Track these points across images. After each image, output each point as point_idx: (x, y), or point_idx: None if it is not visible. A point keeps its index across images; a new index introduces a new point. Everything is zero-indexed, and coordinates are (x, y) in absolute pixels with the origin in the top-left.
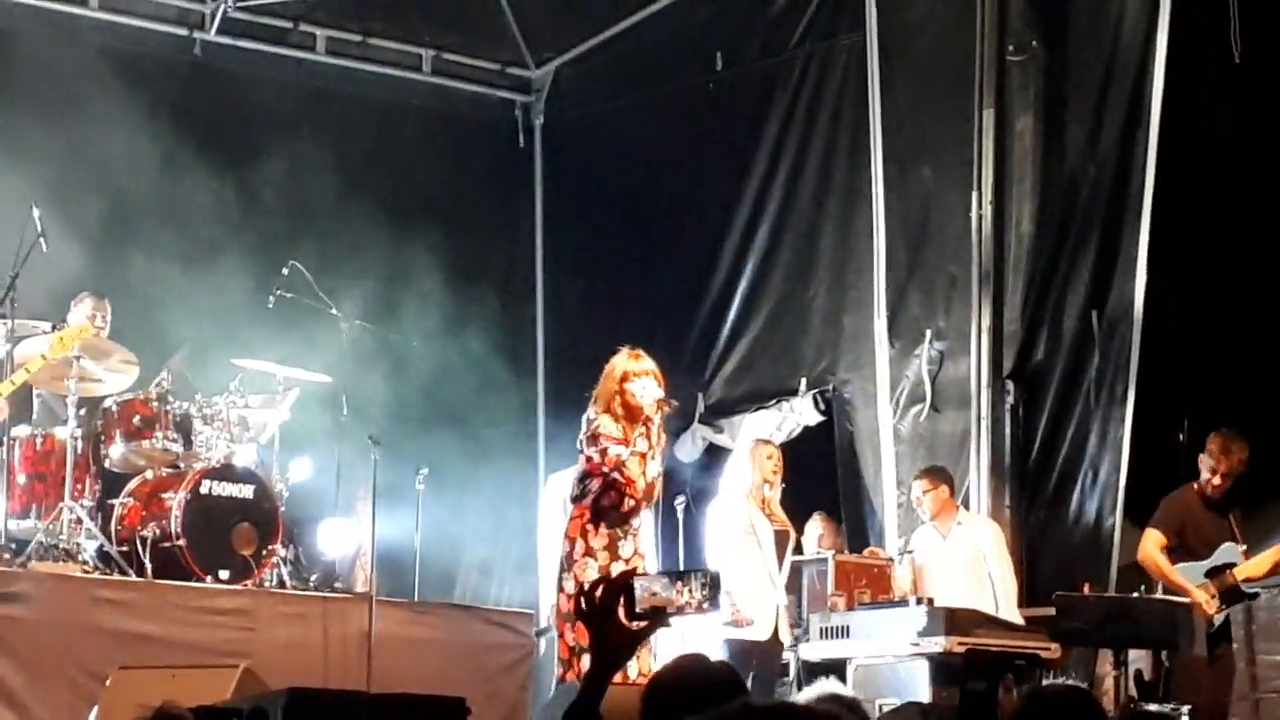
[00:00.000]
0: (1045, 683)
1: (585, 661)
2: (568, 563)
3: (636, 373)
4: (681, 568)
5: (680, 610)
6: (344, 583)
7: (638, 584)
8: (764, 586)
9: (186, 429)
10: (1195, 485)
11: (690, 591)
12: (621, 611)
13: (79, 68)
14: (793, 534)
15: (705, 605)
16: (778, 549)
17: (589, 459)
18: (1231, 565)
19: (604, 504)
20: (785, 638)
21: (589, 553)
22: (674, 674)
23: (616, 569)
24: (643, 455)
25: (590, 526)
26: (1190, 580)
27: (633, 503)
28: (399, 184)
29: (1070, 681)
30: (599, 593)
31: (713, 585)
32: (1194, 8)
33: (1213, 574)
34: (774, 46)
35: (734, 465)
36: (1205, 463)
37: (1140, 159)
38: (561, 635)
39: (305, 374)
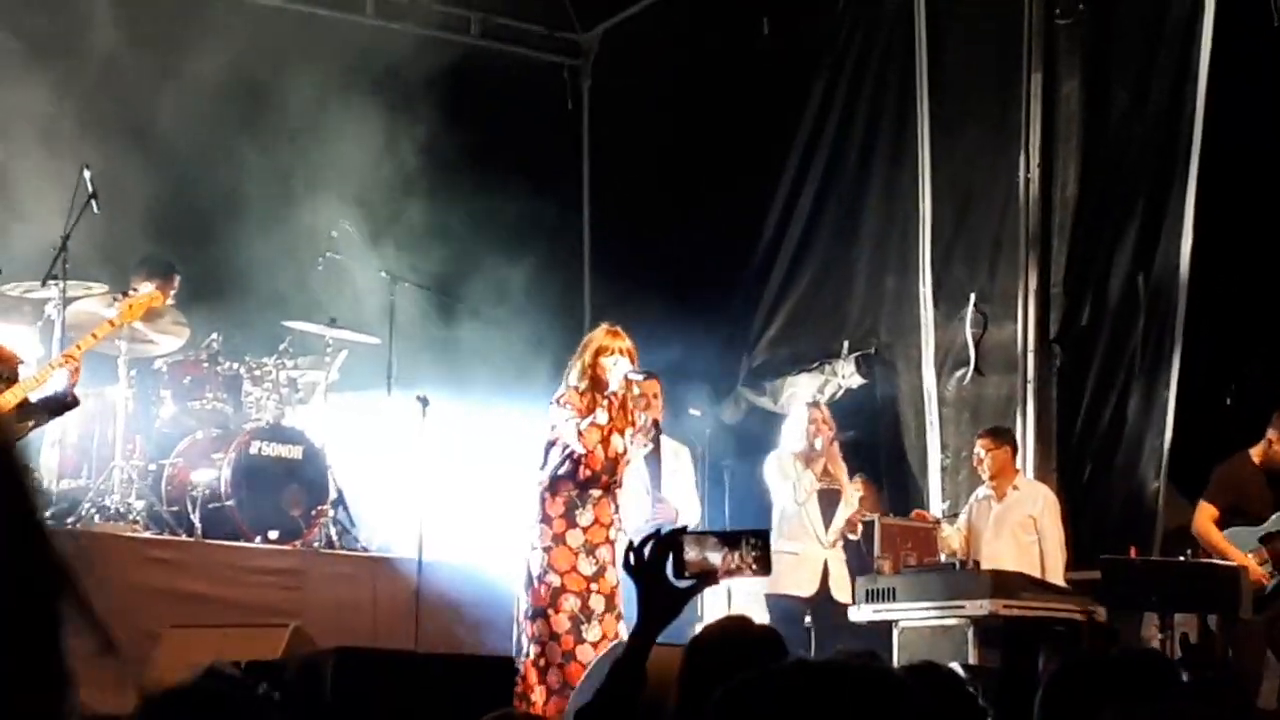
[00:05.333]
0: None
1: (536, 626)
2: (529, 529)
3: (610, 349)
4: (730, 529)
5: (730, 573)
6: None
7: (688, 543)
8: (809, 544)
9: (236, 390)
10: (1251, 452)
11: (740, 555)
12: (670, 570)
13: (129, 29)
14: (848, 492)
15: (755, 568)
16: (824, 507)
17: (552, 427)
18: None
19: (561, 473)
20: (842, 595)
21: (545, 519)
22: (716, 636)
23: (572, 536)
24: (600, 427)
25: (547, 494)
26: (1243, 545)
27: (589, 473)
28: (446, 148)
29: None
30: (648, 549)
31: (764, 548)
32: None
33: (1267, 540)
34: (821, 9)
35: (788, 425)
36: (1274, 437)
37: (1187, 122)
38: (518, 599)
39: (354, 335)
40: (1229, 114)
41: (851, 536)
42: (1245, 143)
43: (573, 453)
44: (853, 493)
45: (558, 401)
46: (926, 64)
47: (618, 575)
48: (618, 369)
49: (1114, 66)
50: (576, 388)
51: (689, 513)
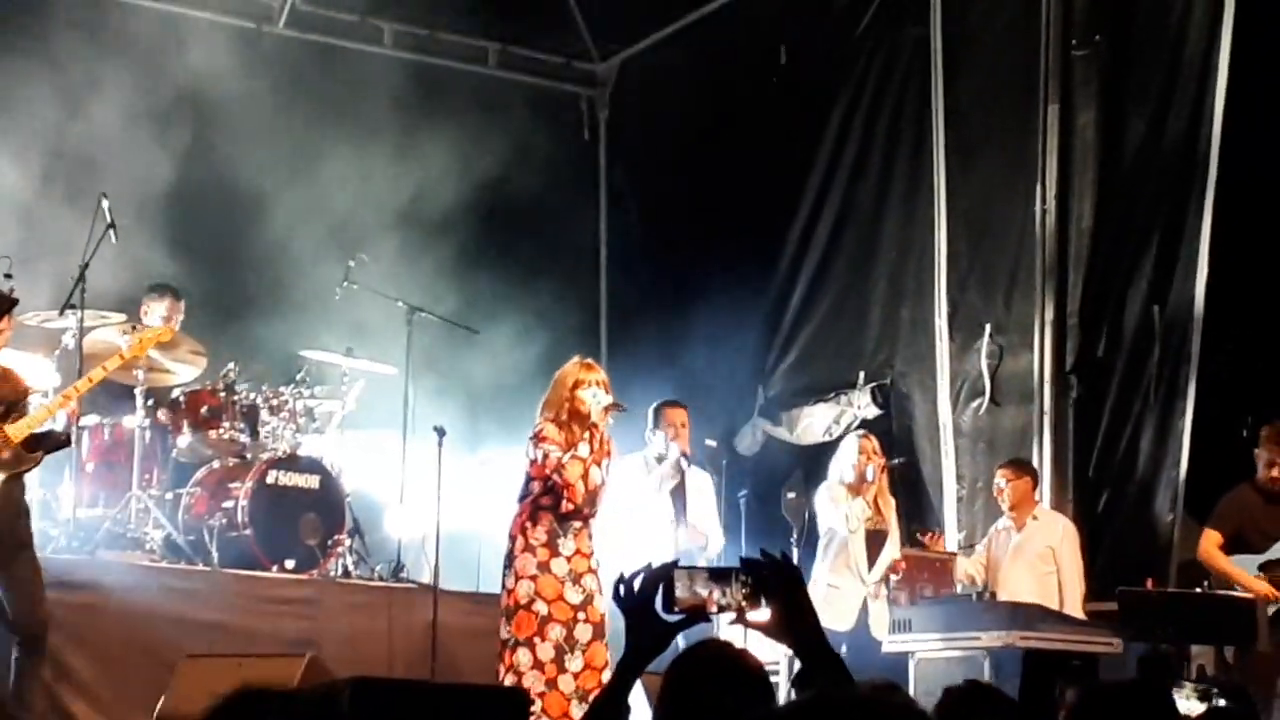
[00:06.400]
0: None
1: (517, 655)
2: (509, 559)
3: (587, 381)
4: (741, 560)
5: (721, 609)
6: (408, 573)
7: (678, 577)
8: (850, 580)
9: (253, 419)
10: (1253, 481)
11: (730, 592)
12: (659, 603)
13: (146, 62)
14: (891, 532)
15: (745, 607)
16: (870, 546)
17: (532, 461)
18: None
19: (543, 504)
20: (880, 632)
21: (528, 548)
22: (696, 660)
23: (557, 564)
24: (583, 460)
25: (529, 524)
26: (1246, 571)
27: (571, 506)
28: (464, 177)
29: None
30: (637, 583)
31: (755, 587)
32: (1259, 2)
33: (1266, 568)
34: (838, 40)
35: (838, 456)
36: (1261, 456)
37: (1202, 153)
38: (498, 629)
39: (370, 365)
40: (1245, 145)
41: (894, 577)
42: (1261, 174)
43: (554, 485)
44: (896, 535)
45: (536, 437)
46: (943, 94)
47: (606, 604)
48: (596, 401)
49: (1130, 98)
50: (555, 421)
51: (715, 540)
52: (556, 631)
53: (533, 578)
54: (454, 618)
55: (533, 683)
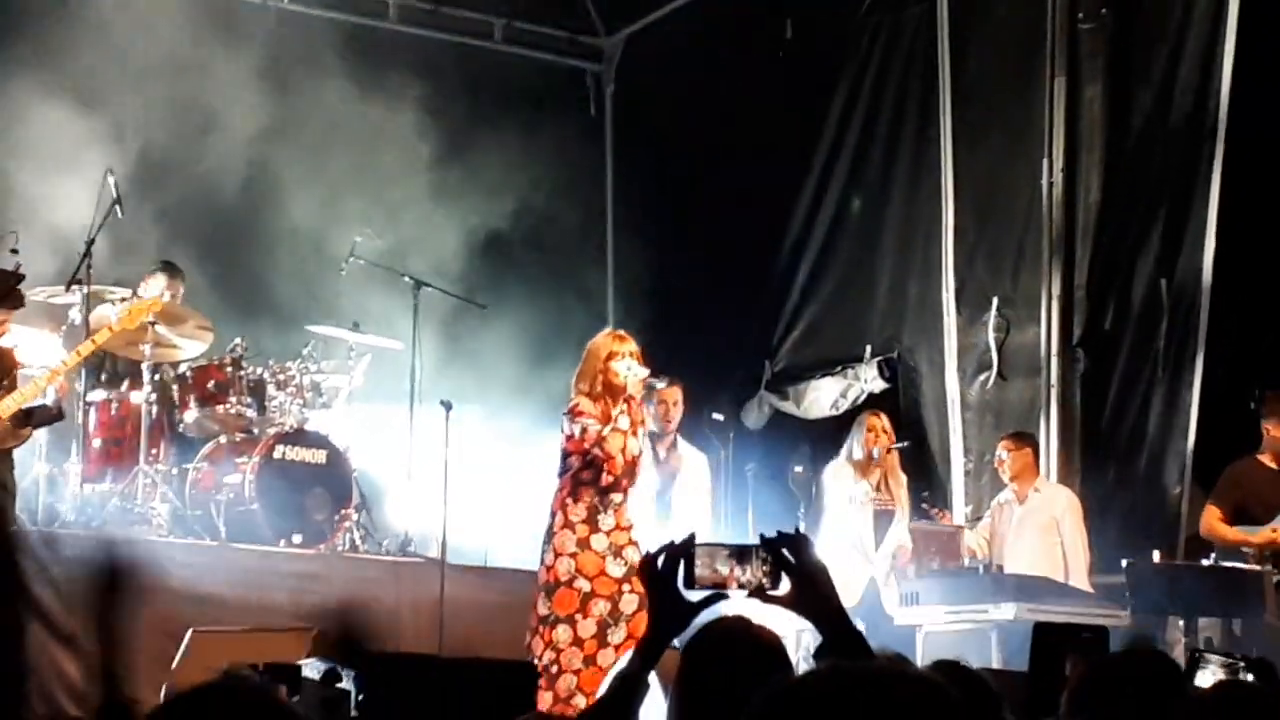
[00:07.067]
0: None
1: (556, 632)
2: (548, 535)
3: (620, 353)
4: (751, 539)
5: (741, 587)
6: (415, 547)
7: (699, 554)
8: (855, 559)
9: (260, 394)
10: (1257, 453)
11: (749, 570)
12: (680, 580)
13: (151, 36)
14: (900, 511)
15: (765, 584)
16: (877, 526)
17: (569, 436)
18: None
19: (583, 479)
20: (890, 610)
21: (568, 525)
22: (715, 637)
23: (596, 540)
24: (623, 433)
25: (570, 500)
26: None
27: (611, 478)
28: (469, 152)
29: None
30: (660, 560)
31: (775, 565)
32: None
33: None
34: (844, 14)
35: (851, 433)
36: (1267, 426)
37: (1210, 127)
38: (535, 604)
39: (377, 339)
40: (1252, 117)
41: (903, 560)
42: (1268, 146)
43: (594, 459)
44: (905, 516)
45: (571, 412)
46: (949, 67)
47: None
48: (631, 372)
49: (1137, 70)
50: (590, 395)
51: (700, 523)
52: (601, 606)
53: (573, 555)
54: (462, 592)
55: (571, 659)
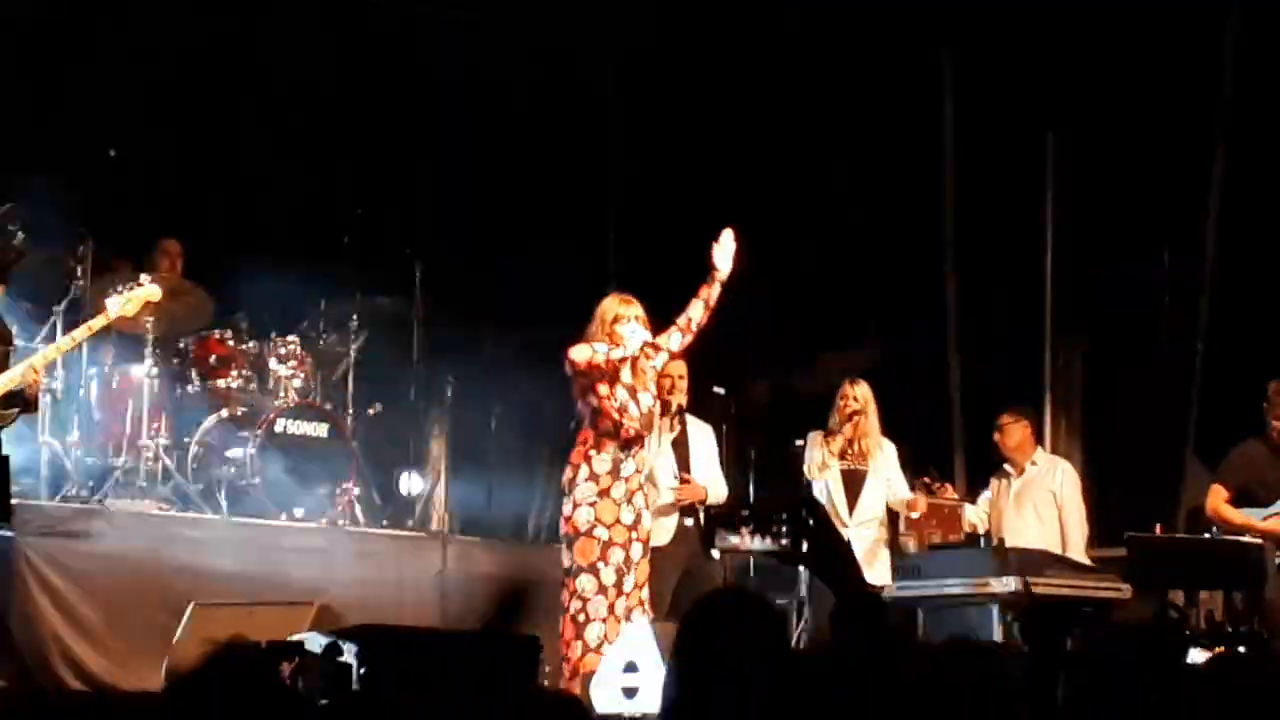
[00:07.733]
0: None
1: (579, 581)
2: (569, 486)
3: (625, 317)
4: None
5: (761, 550)
6: (417, 521)
7: (720, 520)
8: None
9: (262, 367)
10: (1262, 435)
11: (771, 532)
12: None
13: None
14: (875, 473)
15: (784, 544)
16: (848, 488)
17: (582, 390)
18: None
19: (603, 430)
20: (873, 578)
21: (592, 476)
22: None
23: (617, 488)
24: (631, 388)
25: (593, 451)
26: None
27: (633, 430)
28: (476, 132)
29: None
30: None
31: (793, 528)
32: None
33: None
34: None
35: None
36: (1269, 411)
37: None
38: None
39: (380, 311)
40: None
41: (914, 515)
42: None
43: (609, 412)
44: (883, 466)
45: (570, 362)
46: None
47: (650, 519)
48: (635, 337)
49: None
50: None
51: (716, 492)
52: (617, 555)
53: (592, 504)
54: (463, 565)
55: (598, 608)
